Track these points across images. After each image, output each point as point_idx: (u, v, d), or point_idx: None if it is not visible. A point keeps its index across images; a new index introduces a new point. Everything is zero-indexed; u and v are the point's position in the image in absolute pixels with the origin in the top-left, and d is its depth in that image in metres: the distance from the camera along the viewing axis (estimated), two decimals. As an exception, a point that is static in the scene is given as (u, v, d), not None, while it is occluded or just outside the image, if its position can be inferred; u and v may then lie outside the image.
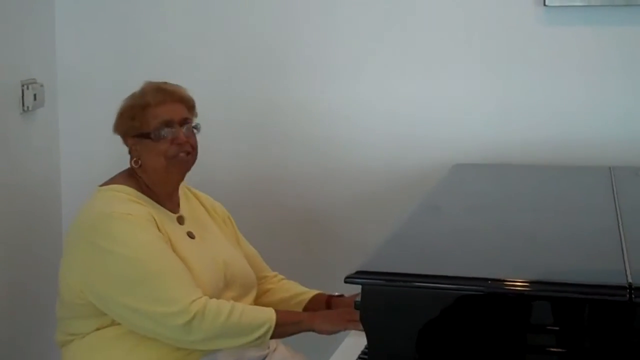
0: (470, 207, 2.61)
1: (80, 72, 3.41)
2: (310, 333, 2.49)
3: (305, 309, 2.66)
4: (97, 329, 2.45)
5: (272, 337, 2.42)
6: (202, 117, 2.65)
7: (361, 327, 1.94)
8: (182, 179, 2.58)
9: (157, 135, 2.49)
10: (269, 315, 2.41)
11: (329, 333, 2.46)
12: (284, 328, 2.43)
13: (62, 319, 2.53)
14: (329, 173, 3.32)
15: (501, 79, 3.19)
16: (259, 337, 2.39)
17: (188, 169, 2.56)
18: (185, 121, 2.54)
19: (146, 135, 2.50)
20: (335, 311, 2.54)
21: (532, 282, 1.88)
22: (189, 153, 2.53)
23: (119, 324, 2.42)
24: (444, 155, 3.21)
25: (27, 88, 3.14)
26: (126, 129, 2.53)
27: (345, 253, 3.19)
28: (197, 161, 2.60)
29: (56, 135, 3.41)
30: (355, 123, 3.29)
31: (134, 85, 2.61)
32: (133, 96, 2.56)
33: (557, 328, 1.85)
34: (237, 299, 2.53)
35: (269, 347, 2.60)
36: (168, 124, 2.50)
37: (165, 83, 2.56)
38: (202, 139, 2.61)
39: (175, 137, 2.50)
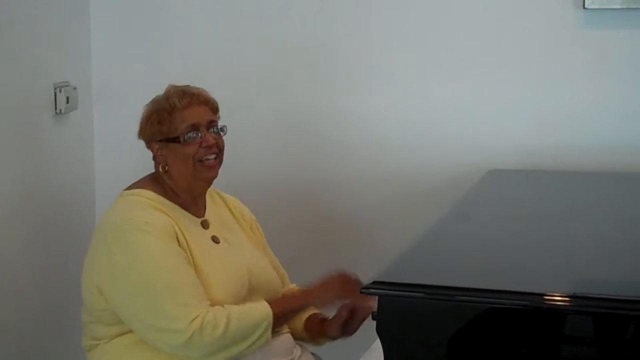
0: (501, 215, 2.56)
1: (115, 75, 3.42)
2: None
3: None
4: (119, 335, 2.44)
5: (273, 329, 2.40)
6: (230, 119, 2.63)
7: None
8: (209, 184, 2.57)
9: (186, 138, 2.47)
10: (265, 312, 2.38)
11: (326, 306, 2.49)
12: (283, 318, 2.43)
13: (86, 324, 2.53)
14: (359, 178, 3.29)
15: (539, 83, 3.14)
16: (261, 336, 2.37)
17: (215, 174, 2.54)
18: (211, 123, 2.53)
19: (174, 139, 2.48)
20: (327, 283, 2.49)
21: (554, 296, 1.83)
22: (216, 155, 2.51)
23: (137, 330, 2.43)
24: (479, 160, 3.15)
25: (60, 91, 3.15)
26: (152, 134, 2.52)
27: (373, 260, 3.12)
28: (226, 164, 2.57)
29: (91, 138, 3.42)
30: (388, 127, 3.25)
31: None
32: (157, 101, 2.54)
33: (578, 343, 1.82)
34: (261, 305, 2.53)
35: (293, 354, 2.57)
36: (196, 127, 2.49)
37: (188, 86, 2.55)
38: (228, 141, 2.59)
39: (203, 139, 2.49)
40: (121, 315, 2.40)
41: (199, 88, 2.55)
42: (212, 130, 2.52)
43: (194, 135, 2.48)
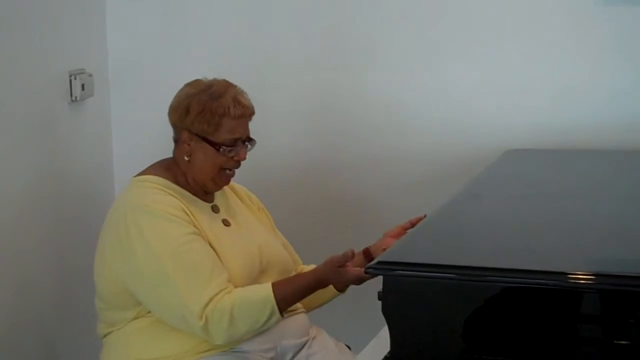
0: (516, 194, 2.53)
1: (132, 62, 3.41)
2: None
3: None
4: (134, 319, 2.46)
5: (283, 309, 2.39)
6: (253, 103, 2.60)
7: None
8: (221, 188, 2.58)
9: (224, 150, 2.46)
10: (267, 294, 2.37)
11: (335, 281, 2.46)
12: (291, 297, 2.42)
13: (100, 310, 2.54)
14: (375, 160, 3.28)
15: (557, 61, 3.10)
16: (270, 316, 2.37)
17: (229, 182, 2.56)
18: (249, 139, 2.52)
19: (212, 143, 2.46)
20: (330, 259, 2.46)
21: (551, 273, 1.81)
22: (237, 167, 2.53)
23: (152, 311, 2.44)
24: (498, 140, 3.13)
25: (75, 78, 3.15)
26: (191, 125, 2.46)
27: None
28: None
29: (108, 124, 3.42)
30: (404, 109, 3.23)
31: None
32: (203, 92, 2.47)
33: (594, 322, 1.80)
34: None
35: (308, 334, 2.57)
36: (237, 141, 2.48)
37: (240, 92, 2.50)
38: (256, 126, 2.58)
39: (237, 153, 2.49)
40: (140, 299, 2.41)
41: (247, 97, 2.51)
42: (247, 145, 2.51)
43: (232, 150, 2.47)
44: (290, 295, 2.41)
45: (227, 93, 2.47)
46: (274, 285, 2.39)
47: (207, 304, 2.32)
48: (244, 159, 2.50)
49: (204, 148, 2.47)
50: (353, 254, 2.43)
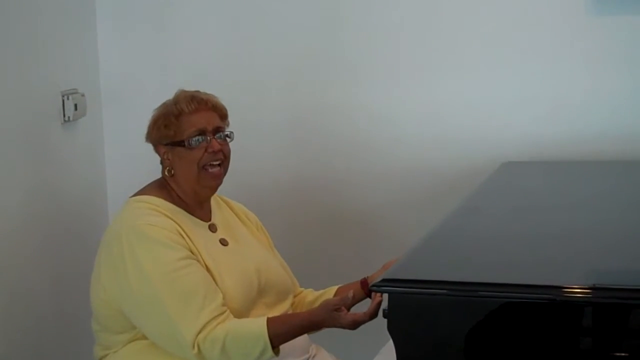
0: (515, 207, 2.53)
1: (124, 80, 3.40)
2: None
3: None
4: (130, 342, 2.44)
5: (276, 346, 2.34)
6: (238, 120, 2.63)
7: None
8: (214, 191, 2.55)
9: (191, 143, 2.46)
10: (260, 331, 2.32)
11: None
12: (284, 335, 2.35)
13: (96, 332, 2.52)
14: (369, 174, 3.27)
15: (552, 73, 3.11)
16: (262, 353, 2.32)
17: (220, 182, 2.53)
18: (218, 129, 2.51)
19: (179, 143, 2.48)
20: (325, 302, 2.42)
21: (571, 288, 1.80)
22: (221, 162, 2.50)
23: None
24: (493, 153, 3.13)
25: (68, 98, 3.14)
26: (159, 137, 2.51)
27: (388, 255, 3.11)
28: (234, 165, 2.57)
29: (101, 144, 3.41)
30: (398, 123, 3.23)
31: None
32: (166, 105, 2.54)
33: (596, 335, 1.79)
34: (272, 305, 2.51)
35: (308, 352, 2.55)
36: (202, 132, 2.48)
37: (198, 91, 2.54)
38: (239, 142, 2.59)
39: (208, 145, 2.47)
40: (134, 323, 2.40)
41: (208, 94, 2.53)
42: (218, 136, 2.50)
43: (200, 140, 2.46)
44: (284, 334, 2.35)
45: (181, 97, 2.51)
46: (268, 321, 2.33)
47: (199, 332, 2.30)
48: (219, 150, 2.48)
49: (178, 153, 2.48)
50: (352, 298, 2.37)
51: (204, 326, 2.31)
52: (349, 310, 2.34)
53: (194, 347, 2.30)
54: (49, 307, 3.07)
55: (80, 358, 3.07)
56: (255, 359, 2.34)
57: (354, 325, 2.33)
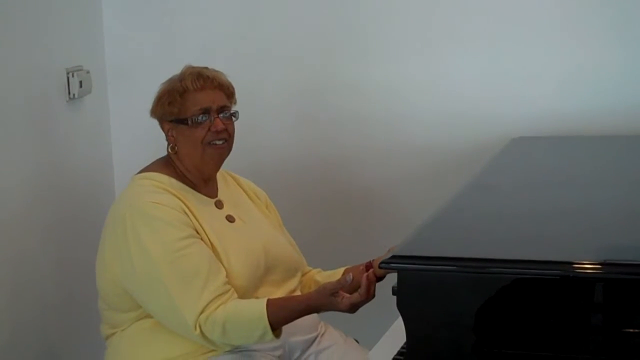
0: (525, 183, 2.51)
1: (129, 57, 3.38)
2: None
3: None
4: (136, 320, 2.43)
5: (276, 329, 2.31)
6: (245, 96, 2.60)
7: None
8: (217, 168, 2.53)
9: (194, 121, 2.44)
10: (260, 314, 2.29)
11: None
12: (284, 319, 2.32)
13: (102, 311, 2.52)
14: (379, 151, 3.25)
15: (562, 48, 3.08)
16: (262, 336, 2.31)
17: (223, 158, 2.52)
18: (223, 109, 2.49)
19: (183, 121, 2.45)
20: (321, 290, 2.35)
21: (582, 264, 1.78)
22: (225, 141, 2.47)
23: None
24: (504, 129, 3.11)
25: (73, 75, 3.12)
26: (163, 114, 2.49)
27: (397, 235, 3.09)
28: (242, 141, 2.55)
29: (107, 121, 3.39)
30: (408, 99, 3.21)
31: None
32: (172, 80, 2.51)
33: (607, 311, 1.77)
34: (279, 283, 2.49)
35: (317, 330, 2.54)
36: (206, 111, 2.46)
37: (206, 68, 2.51)
38: (247, 118, 2.57)
39: (212, 124, 2.45)
40: (138, 302, 2.39)
41: (216, 71, 2.51)
42: (222, 115, 2.48)
43: (203, 118, 2.45)
44: (283, 317, 2.32)
45: (187, 73, 2.48)
46: (268, 304, 2.30)
47: (200, 313, 2.29)
48: (223, 129, 2.46)
49: (181, 130, 2.46)
50: (351, 280, 2.28)
51: (206, 307, 2.30)
52: (351, 293, 2.28)
53: (195, 327, 2.29)
54: (56, 286, 3.06)
55: (87, 339, 3.06)
56: (256, 341, 2.34)
57: (352, 308, 2.28)
